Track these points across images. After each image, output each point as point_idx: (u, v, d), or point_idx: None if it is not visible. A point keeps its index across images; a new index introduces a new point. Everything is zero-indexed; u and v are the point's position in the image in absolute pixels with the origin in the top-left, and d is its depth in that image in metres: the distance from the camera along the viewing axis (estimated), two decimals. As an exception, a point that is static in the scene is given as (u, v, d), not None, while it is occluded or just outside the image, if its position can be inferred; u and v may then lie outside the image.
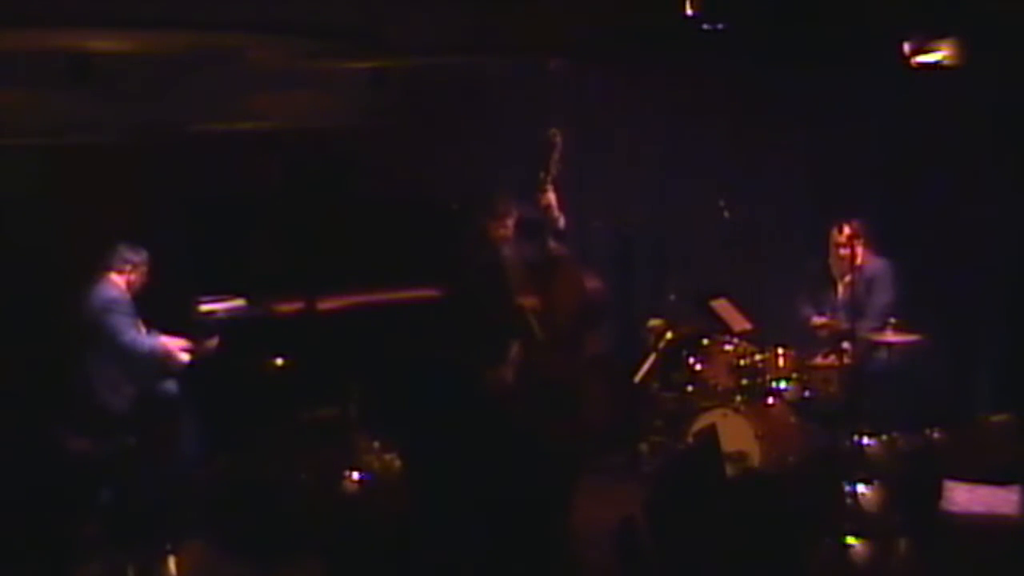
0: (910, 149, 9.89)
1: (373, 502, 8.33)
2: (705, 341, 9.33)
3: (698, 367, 9.31)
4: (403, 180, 10.33)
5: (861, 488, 8.08)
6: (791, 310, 9.30)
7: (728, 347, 9.21)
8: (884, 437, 8.49)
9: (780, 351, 9.02)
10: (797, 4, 9.13)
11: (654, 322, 9.69)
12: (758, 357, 9.05)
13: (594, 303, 9.25)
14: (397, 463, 8.51)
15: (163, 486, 8.33)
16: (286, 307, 8.59)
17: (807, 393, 8.98)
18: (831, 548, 7.54)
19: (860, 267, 8.86)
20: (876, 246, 9.04)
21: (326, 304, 8.50)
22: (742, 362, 9.07)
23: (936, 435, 8.62)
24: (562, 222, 9.19)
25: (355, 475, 8.40)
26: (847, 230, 8.87)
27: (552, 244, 9.12)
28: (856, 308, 8.64)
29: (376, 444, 8.56)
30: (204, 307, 8.68)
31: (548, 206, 9.07)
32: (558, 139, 9.05)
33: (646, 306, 10.15)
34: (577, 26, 9.42)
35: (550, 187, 9.05)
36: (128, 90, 9.19)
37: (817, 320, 9.15)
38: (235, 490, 8.35)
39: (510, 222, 9.33)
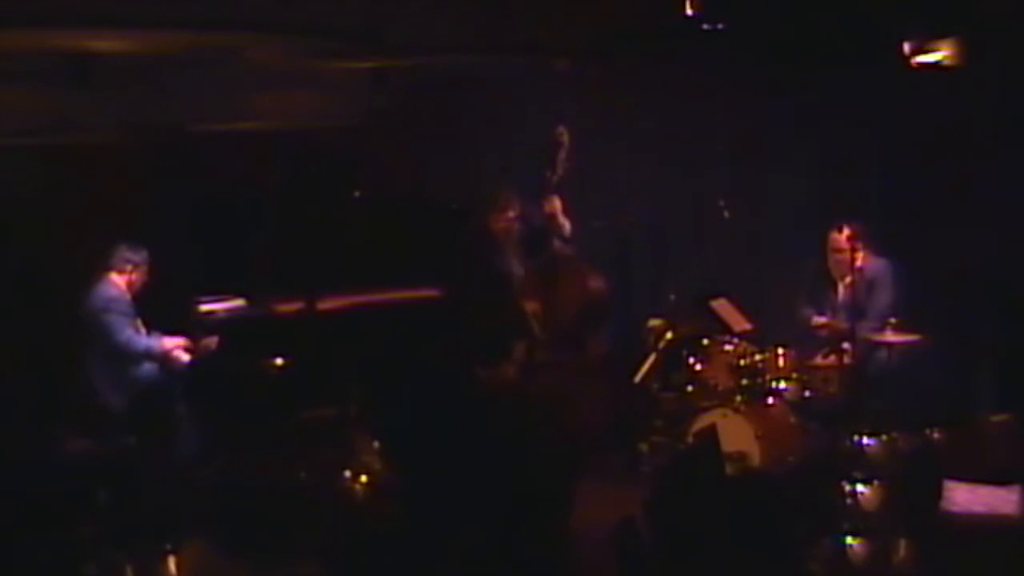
0: (910, 149, 9.88)
1: (373, 502, 8.33)
2: (705, 341, 9.33)
3: (698, 367, 9.31)
4: (403, 180, 10.34)
5: (861, 488, 8.07)
6: (791, 310, 9.30)
7: (728, 347, 9.20)
8: (884, 437, 8.47)
9: (780, 351, 9.01)
10: (797, 4, 9.14)
11: (654, 322, 9.68)
12: (758, 357, 9.05)
13: (597, 303, 9.26)
14: (396, 463, 8.51)
15: (163, 486, 8.33)
16: (286, 307, 8.58)
17: (807, 393, 8.98)
18: (831, 548, 7.53)
19: (860, 268, 8.86)
20: (876, 247, 9.04)
21: (326, 304, 8.49)
22: (742, 362, 9.07)
23: (936, 435, 8.61)
24: (568, 229, 9.20)
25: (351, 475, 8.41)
26: (846, 231, 8.87)
27: (557, 243, 9.13)
28: (856, 308, 8.65)
29: (376, 444, 8.55)
30: (204, 307, 8.69)
31: (552, 214, 9.09)
32: (565, 138, 9.04)
33: (646, 306, 10.14)
34: (577, 26, 9.42)
35: (555, 193, 9.05)
36: (128, 90, 9.20)
37: (817, 320, 9.15)
38: (235, 490, 8.35)
39: (511, 214, 9.35)
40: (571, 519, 7.64)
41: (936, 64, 9.17)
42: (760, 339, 9.20)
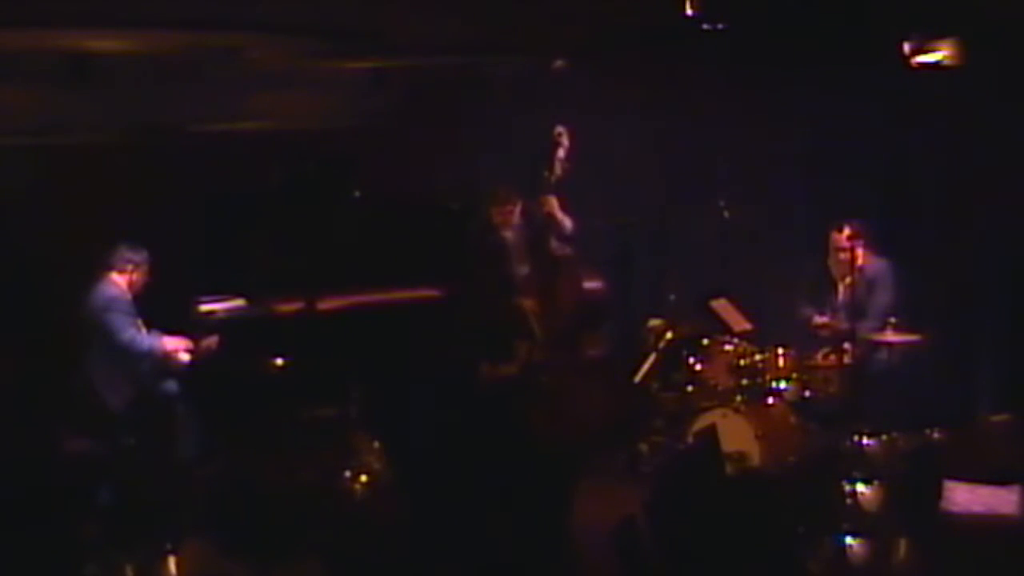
0: (910, 149, 9.88)
1: (373, 502, 8.33)
2: (705, 341, 9.33)
3: (698, 367, 9.31)
4: (403, 180, 10.33)
5: (861, 488, 8.07)
6: (791, 310, 9.30)
7: (728, 347, 9.21)
8: (884, 437, 8.48)
9: (780, 351, 9.01)
10: (797, 4, 9.14)
11: (654, 322, 9.68)
12: (758, 357, 9.05)
13: (595, 304, 9.25)
14: (397, 463, 8.51)
15: (163, 486, 8.33)
16: (286, 307, 8.58)
17: (807, 393, 8.98)
18: (831, 548, 7.53)
19: (861, 268, 8.86)
20: (876, 247, 9.04)
21: (326, 304, 8.50)
22: (742, 362, 9.07)
23: (936, 435, 8.61)
24: (568, 225, 9.21)
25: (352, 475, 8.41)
26: (847, 231, 8.87)
27: (555, 244, 9.12)
28: (856, 308, 8.65)
29: (376, 444, 8.55)
30: (204, 307, 8.68)
31: (550, 213, 9.09)
32: (564, 138, 9.04)
33: (646, 306, 10.14)
34: (577, 26, 9.43)
35: (552, 193, 9.06)
36: (128, 90, 9.20)
37: (817, 320, 9.15)
38: (235, 490, 8.35)
39: (510, 208, 9.36)
40: (571, 519, 7.65)
41: (936, 64, 9.17)
42: (760, 339, 9.20)
